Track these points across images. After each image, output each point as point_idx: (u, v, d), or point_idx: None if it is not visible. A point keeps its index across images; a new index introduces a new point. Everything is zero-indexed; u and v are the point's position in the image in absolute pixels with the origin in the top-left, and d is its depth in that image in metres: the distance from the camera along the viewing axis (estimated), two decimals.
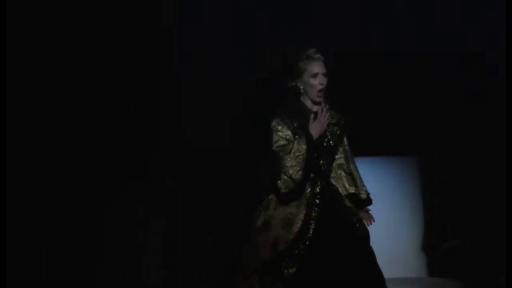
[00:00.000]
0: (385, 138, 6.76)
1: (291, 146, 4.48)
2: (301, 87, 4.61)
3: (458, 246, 6.76)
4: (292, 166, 4.45)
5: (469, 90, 6.67)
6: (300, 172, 4.44)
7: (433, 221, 6.94)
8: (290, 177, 4.45)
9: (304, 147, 4.46)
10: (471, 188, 6.76)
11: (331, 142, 4.65)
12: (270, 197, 4.59)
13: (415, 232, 6.93)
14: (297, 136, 4.50)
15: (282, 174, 4.46)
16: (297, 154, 4.47)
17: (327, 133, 4.63)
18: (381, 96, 6.74)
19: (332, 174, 4.69)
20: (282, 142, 4.51)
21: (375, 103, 6.74)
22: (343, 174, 4.71)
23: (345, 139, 4.73)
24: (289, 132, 4.53)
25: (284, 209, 4.52)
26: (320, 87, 4.57)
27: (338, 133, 4.68)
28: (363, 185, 4.73)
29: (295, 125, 4.55)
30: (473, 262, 6.54)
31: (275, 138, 4.53)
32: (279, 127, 4.54)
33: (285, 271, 4.42)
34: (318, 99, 4.60)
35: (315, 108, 4.63)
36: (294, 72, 4.60)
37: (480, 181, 6.74)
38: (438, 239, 6.89)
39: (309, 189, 4.55)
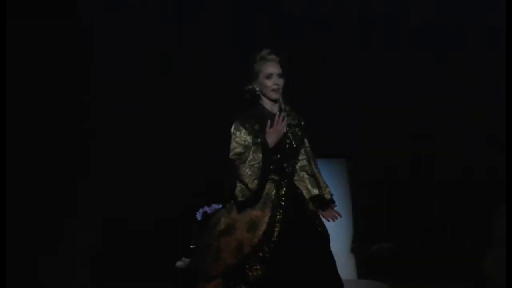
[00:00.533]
0: (315, 140, 6.76)
1: (247, 154, 4.45)
2: (257, 89, 4.59)
3: (388, 248, 6.84)
4: (248, 175, 4.42)
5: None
6: (256, 181, 4.43)
7: (362, 223, 7.00)
8: (246, 186, 4.43)
9: (260, 155, 4.44)
10: (400, 190, 6.86)
11: (293, 144, 4.63)
12: (233, 201, 4.54)
13: (344, 235, 6.96)
14: (255, 143, 4.48)
15: (239, 183, 4.44)
16: (252, 163, 4.45)
17: (289, 134, 4.61)
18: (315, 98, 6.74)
19: (295, 177, 4.68)
20: (238, 150, 4.49)
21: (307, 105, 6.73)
22: (306, 176, 4.72)
23: (306, 140, 4.73)
24: (247, 138, 4.51)
25: (249, 212, 4.48)
26: (274, 87, 4.56)
27: (299, 134, 4.66)
28: (326, 186, 4.74)
29: (255, 128, 4.53)
30: (402, 264, 6.62)
31: (232, 145, 4.51)
32: (237, 133, 4.52)
33: (250, 274, 4.39)
34: (274, 97, 4.57)
35: (275, 109, 4.61)
36: (251, 74, 4.59)
37: (409, 183, 6.86)
38: (368, 241, 6.96)
39: (274, 191, 4.53)
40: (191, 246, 5.48)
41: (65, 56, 6.09)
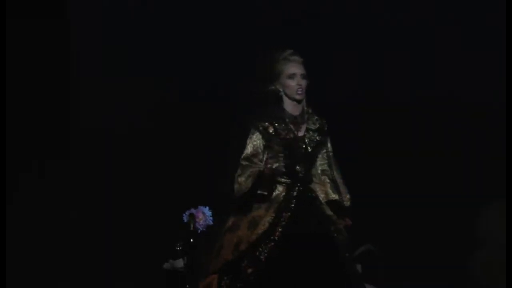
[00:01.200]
0: None
1: (252, 161, 4.49)
2: (280, 89, 4.57)
3: (369, 251, 6.83)
4: (243, 174, 4.49)
5: None
6: (245, 180, 4.49)
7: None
8: (237, 182, 4.49)
9: (262, 162, 4.51)
10: (381, 193, 6.86)
11: (308, 148, 4.61)
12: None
13: None
14: (266, 147, 4.52)
15: (236, 180, 4.51)
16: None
17: (306, 139, 4.60)
18: None
19: (316, 180, 4.67)
20: (250, 156, 4.52)
21: None
22: (327, 180, 4.71)
23: (329, 145, 4.71)
24: (259, 142, 4.53)
25: (253, 212, 4.51)
26: (298, 87, 4.56)
27: (317, 139, 4.65)
28: (347, 193, 4.70)
29: (270, 131, 4.54)
30: (381, 267, 6.62)
31: (246, 149, 4.54)
32: (253, 137, 4.54)
33: (246, 271, 4.39)
34: (298, 97, 4.57)
35: (296, 111, 4.61)
36: (272, 75, 4.57)
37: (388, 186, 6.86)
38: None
39: (283, 193, 4.52)
40: (177, 248, 5.44)
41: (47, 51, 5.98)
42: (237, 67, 6.26)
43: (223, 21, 6.47)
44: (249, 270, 4.39)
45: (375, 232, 6.55)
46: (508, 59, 5.76)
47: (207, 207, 5.38)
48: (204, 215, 5.35)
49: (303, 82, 4.59)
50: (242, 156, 4.53)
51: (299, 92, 4.58)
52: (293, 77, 4.58)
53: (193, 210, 5.42)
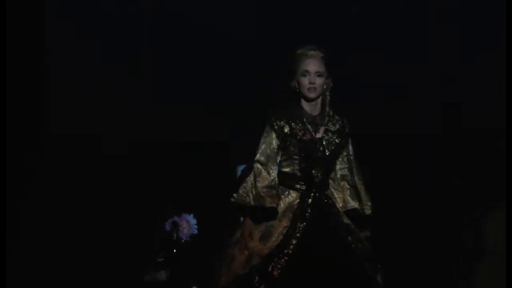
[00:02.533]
0: None
1: (267, 165, 4.23)
2: (297, 86, 4.29)
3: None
4: (246, 190, 4.22)
5: None
6: (244, 198, 4.22)
7: None
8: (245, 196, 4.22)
9: (274, 174, 4.23)
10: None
11: (326, 151, 4.28)
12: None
13: None
14: (282, 148, 4.25)
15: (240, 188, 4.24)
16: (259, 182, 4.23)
17: (323, 141, 4.28)
18: None
19: (335, 186, 4.37)
20: (263, 159, 4.24)
21: None
22: (347, 186, 4.38)
23: (350, 148, 4.39)
24: (274, 142, 4.26)
25: (265, 221, 4.17)
26: (310, 86, 4.23)
27: (337, 141, 4.31)
28: (368, 200, 4.36)
29: (285, 130, 4.24)
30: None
31: (260, 149, 4.27)
32: (267, 137, 4.26)
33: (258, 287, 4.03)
34: (310, 96, 4.26)
35: (316, 112, 4.31)
36: (291, 72, 4.29)
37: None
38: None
39: (297, 200, 4.21)
40: (159, 260, 5.25)
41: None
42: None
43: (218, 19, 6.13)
44: (262, 287, 4.03)
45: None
46: (508, 60, 5.49)
47: (192, 215, 5.20)
48: (188, 224, 5.19)
49: (318, 80, 4.26)
50: (256, 158, 4.25)
51: (311, 91, 4.26)
52: (305, 75, 4.27)
53: (176, 218, 5.24)
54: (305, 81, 4.24)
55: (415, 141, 6.04)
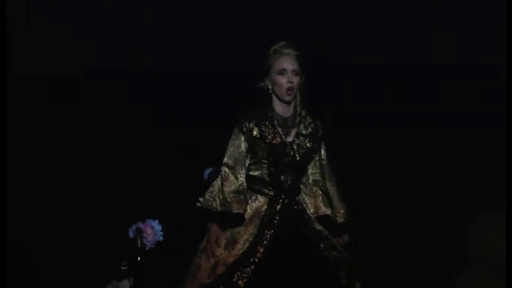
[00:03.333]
0: None
1: (235, 169, 4.10)
2: (269, 86, 4.11)
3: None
4: (212, 195, 4.14)
5: None
6: (211, 203, 4.13)
7: None
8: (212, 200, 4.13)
9: (241, 179, 4.12)
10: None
11: (296, 156, 4.12)
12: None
13: None
14: (250, 151, 4.14)
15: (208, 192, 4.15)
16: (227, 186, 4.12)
17: (294, 145, 4.12)
18: None
19: (306, 191, 4.24)
20: (230, 162, 4.11)
21: None
22: (319, 191, 4.24)
23: (323, 152, 4.23)
24: (243, 145, 4.12)
25: (232, 227, 4.07)
26: (288, 85, 4.05)
27: (308, 145, 4.17)
28: (342, 207, 4.21)
29: (254, 134, 4.09)
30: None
31: (229, 152, 4.13)
32: (235, 140, 4.14)
33: None
34: (287, 98, 4.09)
35: (288, 113, 4.14)
36: (264, 70, 4.13)
37: None
38: None
39: (265, 207, 4.06)
40: (122, 268, 5.02)
41: None
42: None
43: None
44: None
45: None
46: (508, 61, 5.43)
47: (157, 221, 5.00)
48: (152, 230, 4.97)
49: (295, 80, 4.09)
50: (223, 161, 4.13)
51: (288, 93, 4.09)
52: (283, 73, 4.08)
53: (140, 224, 5.03)
54: (281, 80, 4.06)
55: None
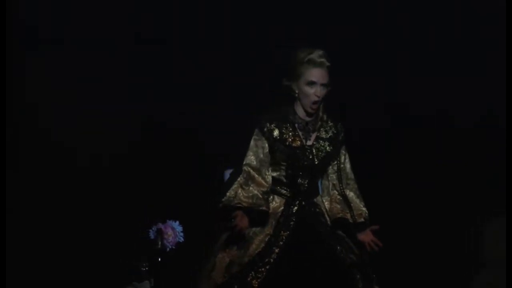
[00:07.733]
0: None
1: (260, 171, 4.10)
2: (296, 91, 4.11)
3: None
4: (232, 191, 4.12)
5: None
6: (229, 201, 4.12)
7: None
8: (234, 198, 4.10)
9: (265, 182, 4.12)
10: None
11: (315, 160, 4.15)
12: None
13: None
14: (273, 151, 4.14)
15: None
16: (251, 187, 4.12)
17: (313, 149, 4.15)
18: None
19: (325, 194, 4.26)
20: (254, 164, 4.11)
21: None
22: (337, 194, 4.24)
23: (343, 156, 4.25)
24: (266, 146, 4.14)
25: (248, 227, 4.03)
26: (315, 99, 4.09)
27: (328, 149, 4.18)
28: (360, 209, 4.21)
29: (274, 135, 4.11)
30: None
31: (250, 153, 4.14)
32: (257, 140, 4.14)
33: None
34: (311, 111, 4.13)
35: (309, 117, 4.16)
36: (292, 73, 4.11)
37: None
38: None
39: (282, 208, 4.08)
40: (143, 269, 5.07)
41: None
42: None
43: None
44: None
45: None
46: (508, 62, 5.48)
47: (177, 222, 5.03)
48: (173, 231, 4.99)
49: (323, 93, 4.12)
50: (246, 162, 4.12)
51: (314, 106, 4.13)
52: (312, 85, 4.09)
53: (161, 225, 5.06)
54: (309, 91, 4.09)
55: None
